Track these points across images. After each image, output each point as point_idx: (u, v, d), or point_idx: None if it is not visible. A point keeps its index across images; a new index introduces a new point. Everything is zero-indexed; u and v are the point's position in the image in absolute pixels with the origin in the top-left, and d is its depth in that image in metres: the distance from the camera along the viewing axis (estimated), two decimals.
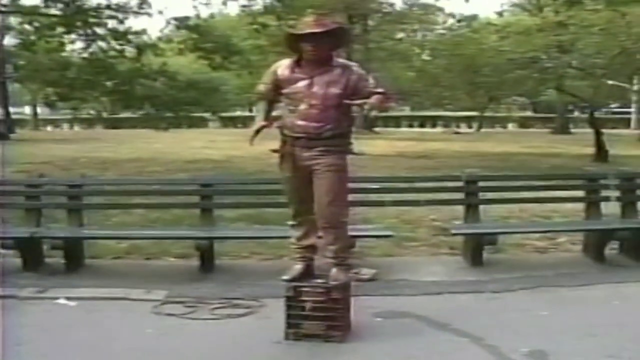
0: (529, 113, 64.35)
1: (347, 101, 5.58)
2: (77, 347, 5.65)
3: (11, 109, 41.48)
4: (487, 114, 56.94)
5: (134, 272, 8.12)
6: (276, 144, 5.93)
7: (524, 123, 61.41)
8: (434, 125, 61.29)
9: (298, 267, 5.98)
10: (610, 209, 9.04)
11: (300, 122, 5.65)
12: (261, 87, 6.04)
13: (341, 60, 5.81)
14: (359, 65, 6.04)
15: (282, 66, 5.84)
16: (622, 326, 6.01)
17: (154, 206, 9.81)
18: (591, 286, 7.40)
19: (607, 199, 8.97)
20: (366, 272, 7.65)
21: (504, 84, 25.42)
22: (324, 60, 5.68)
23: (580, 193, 9.05)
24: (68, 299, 6.86)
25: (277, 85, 5.81)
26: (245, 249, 8.93)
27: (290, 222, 6.12)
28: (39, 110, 61.62)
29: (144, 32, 25.61)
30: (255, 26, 25.39)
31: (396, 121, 60.15)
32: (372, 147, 24.79)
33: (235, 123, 57.70)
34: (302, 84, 5.66)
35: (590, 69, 23.59)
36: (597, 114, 28.51)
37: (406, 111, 64.67)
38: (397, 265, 8.34)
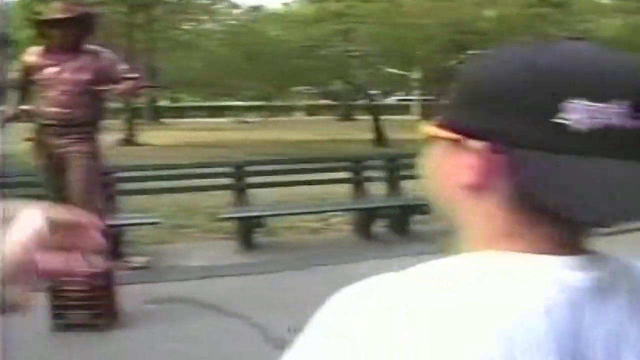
0: (322, 101, 65.65)
1: (96, 87, 5.56)
2: None
3: None
4: (276, 103, 57.71)
5: None
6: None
7: (312, 111, 62.69)
8: (223, 115, 61.39)
9: None
10: (380, 189, 9.46)
11: (50, 109, 5.58)
12: (12, 75, 5.90)
13: (92, 47, 5.77)
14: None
15: (32, 53, 5.73)
16: None
17: None
18: (359, 262, 7.69)
19: (370, 179, 9.39)
20: (137, 260, 7.63)
21: (287, 72, 25.87)
22: (74, 46, 5.63)
23: (348, 175, 9.42)
24: None
25: (27, 73, 5.70)
26: None
27: None
28: None
29: None
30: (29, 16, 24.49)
31: (185, 112, 59.85)
32: (158, 138, 24.66)
33: None
34: (51, 70, 5.58)
35: (366, 57, 24.43)
36: (385, 102, 29.50)
37: (197, 101, 64.45)
38: (170, 252, 8.37)
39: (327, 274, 7.27)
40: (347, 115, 50.21)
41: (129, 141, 25.13)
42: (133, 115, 27.92)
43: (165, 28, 35.82)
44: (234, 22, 36.46)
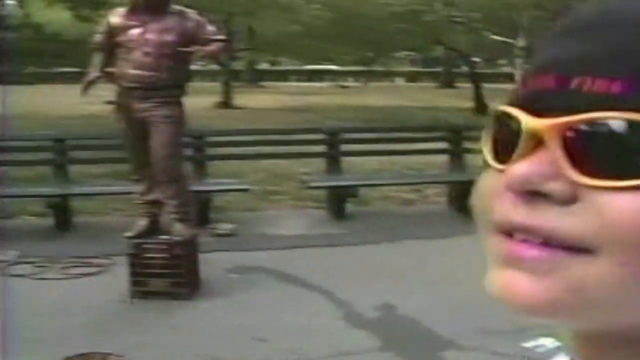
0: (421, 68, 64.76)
1: (182, 49, 5.36)
2: None
3: None
4: (375, 67, 57.16)
5: None
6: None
7: (412, 77, 61.88)
8: (321, 79, 61.09)
9: (142, 223, 5.76)
10: (479, 161, 9.06)
11: (134, 72, 5.39)
12: (96, 38, 5.74)
13: (178, 8, 5.58)
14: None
15: (116, 14, 5.57)
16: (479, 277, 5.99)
17: (10, 163, 9.26)
18: (453, 238, 7.36)
19: (469, 150, 8.98)
20: (224, 227, 7.48)
21: (387, 37, 25.45)
22: (159, 7, 5.44)
23: (446, 145, 9.05)
24: None
25: (112, 34, 5.53)
26: (106, 205, 8.60)
27: (132, 177, 5.90)
28: None
29: None
30: None
31: (284, 75, 59.81)
32: (255, 102, 24.60)
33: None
34: (135, 31, 5.39)
35: (470, 23, 23.80)
36: (484, 69, 28.83)
37: (297, 65, 64.35)
38: (258, 219, 8.19)
39: (416, 248, 7.00)
40: (448, 82, 49.31)
41: (225, 104, 25.17)
42: (231, 77, 27.91)
43: None
44: None
